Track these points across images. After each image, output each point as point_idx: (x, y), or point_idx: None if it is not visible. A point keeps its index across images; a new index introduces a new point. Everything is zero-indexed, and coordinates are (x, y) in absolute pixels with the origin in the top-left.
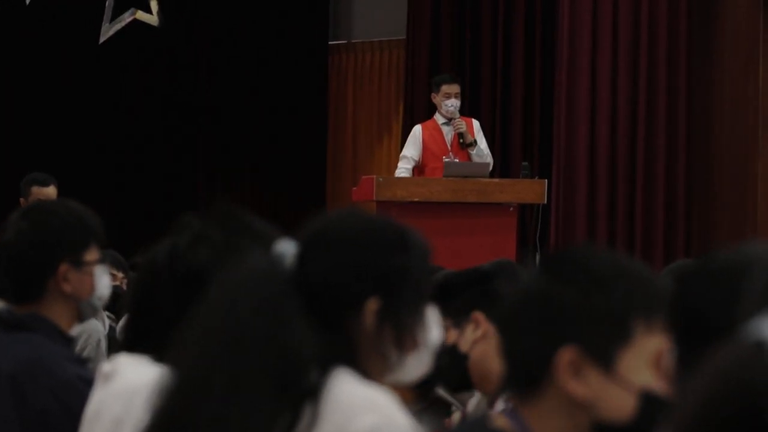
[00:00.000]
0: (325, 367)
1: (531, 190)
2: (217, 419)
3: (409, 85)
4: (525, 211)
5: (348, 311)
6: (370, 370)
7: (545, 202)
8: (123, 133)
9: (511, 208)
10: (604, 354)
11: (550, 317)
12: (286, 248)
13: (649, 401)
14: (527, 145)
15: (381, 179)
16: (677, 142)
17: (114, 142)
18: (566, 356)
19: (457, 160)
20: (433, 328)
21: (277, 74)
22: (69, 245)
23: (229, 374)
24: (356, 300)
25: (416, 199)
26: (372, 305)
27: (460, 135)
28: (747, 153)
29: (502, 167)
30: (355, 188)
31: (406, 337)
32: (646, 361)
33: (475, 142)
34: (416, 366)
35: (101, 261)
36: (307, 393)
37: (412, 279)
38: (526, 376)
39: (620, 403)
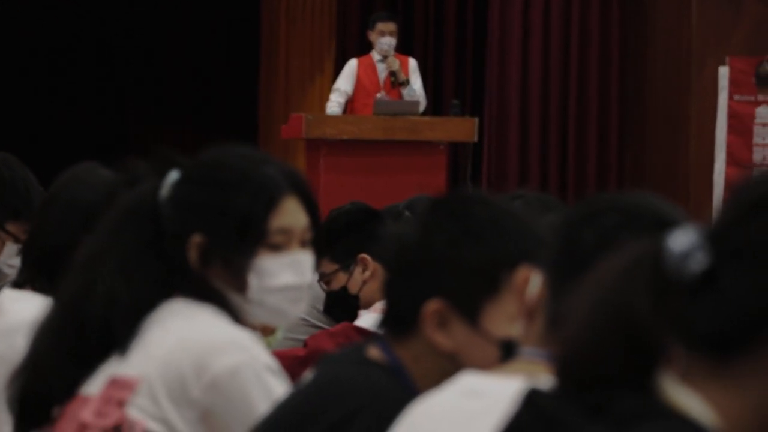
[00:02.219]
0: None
1: (462, 129)
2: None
3: (342, 25)
4: (457, 150)
5: (178, 243)
6: (234, 309)
7: (476, 140)
8: (52, 80)
9: (442, 147)
10: (470, 307)
11: (420, 267)
12: (170, 177)
13: (511, 353)
14: (459, 86)
15: (310, 117)
16: (609, 81)
17: (42, 88)
18: (432, 307)
19: (388, 98)
20: (275, 274)
21: (210, 14)
22: None
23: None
24: (181, 233)
25: (346, 137)
26: (195, 240)
27: (392, 73)
28: (679, 93)
29: (434, 107)
30: (284, 126)
31: (231, 278)
32: (511, 313)
33: (408, 81)
34: (256, 310)
35: None
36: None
37: (241, 221)
38: (399, 320)
39: (483, 355)
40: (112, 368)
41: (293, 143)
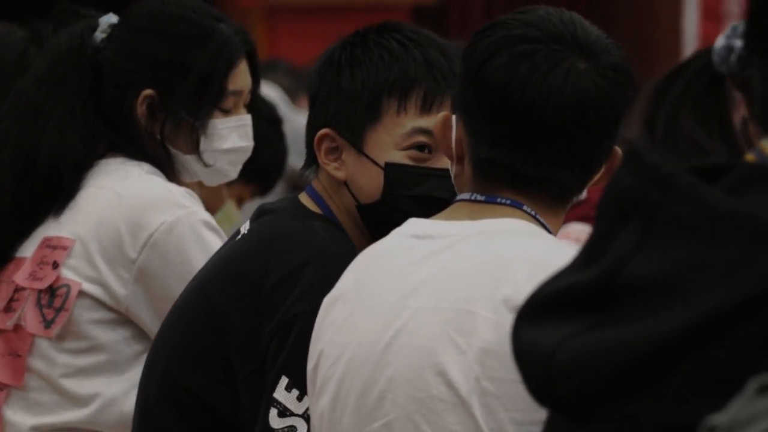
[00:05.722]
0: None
1: None
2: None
3: None
4: (424, 13)
5: (123, 95)
6: (169, 167)
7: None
8: None
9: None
10: (352, 132)
11: (313, 98)
12: (103, 21)
13: (394, 173)
14: None
15: None
16: None
17: None
18: (322, 138)
19: None
20: (224, 137)
21: None
22: None
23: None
24: (127, 85)
25: (305, 4)
26: (145, 94)
27: None
28: None
29: None
30: None
31: (179, 136)
32: (394, 138)
33: None
34: (200, 170)
35: None
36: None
37: (201, 79)
38: (307, 157)
39: (370, 181)
40: (45, 229)
41: (252, 11)
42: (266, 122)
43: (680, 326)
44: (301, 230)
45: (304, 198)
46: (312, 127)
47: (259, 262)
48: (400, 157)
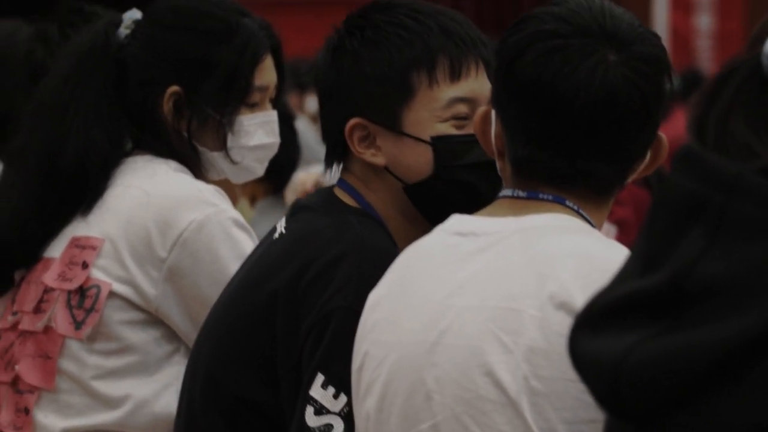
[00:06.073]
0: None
1: None
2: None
3: None
4: None
5: (149, 93)
6: (196, 165)
7: None
8: None
9: None
10: (387, 116)
11: (332, 91)
12: (127, 17)
13: (443, 145)
14: None
15: None
16: None
17: None
18: (353, 128)
19: None
20: (250, 133)
21: None
22: None
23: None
24: (154, 81)
25: None
26: (171, 90)
27: None
28: None
29: None
30: None
31: (205, 133)
32: (433, 112)
33: None
34: (227, 167)
35: None
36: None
37: (227, 75)
38: (335, 151)
39: (417, 159)
40: (73, 229)
41: None
42: (279, 119)
43: (754, 327)
44: (337, 225)
45: (338, 192)
46: (333, 121)
47: (298, 260)
48: (444, 129)
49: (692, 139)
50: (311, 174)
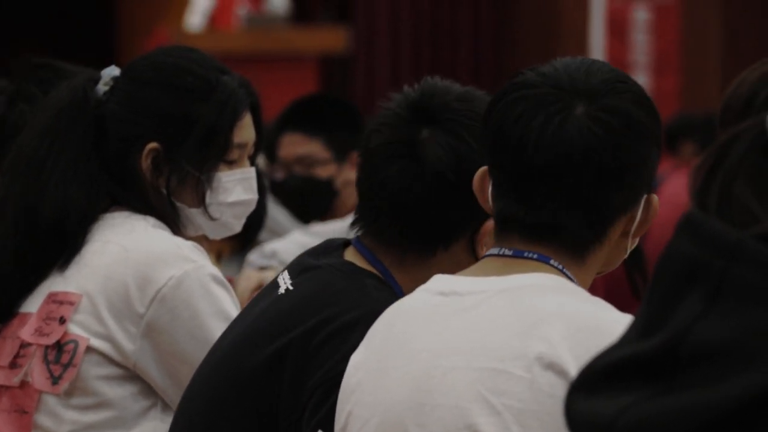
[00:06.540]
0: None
1: (331, 37)
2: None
3: None
4: (332, 64)
5: (128, 149)
6: (175, 221)
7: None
8: None
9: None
10: None
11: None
12: (105, 74)
13: None
14: None
15: (179, 33)
16: None
17: None
18: None
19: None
20: (228, 190)
21: None
22: None
23: None
24: (132, 138)
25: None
26: (150, 147)
27: None
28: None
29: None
30: (149, 42)
31: (184, 189)
32: None
33: None
34: (205, 223)
35: None
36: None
37: (206, 132)
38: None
39: None
40: (50, 284)
41: None
42: None
43: (748, 392)
44: (353, 289)
45: (352, 253)
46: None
47: (313, 318)
48: None
49: (694, 206)
50: (251, 277)
